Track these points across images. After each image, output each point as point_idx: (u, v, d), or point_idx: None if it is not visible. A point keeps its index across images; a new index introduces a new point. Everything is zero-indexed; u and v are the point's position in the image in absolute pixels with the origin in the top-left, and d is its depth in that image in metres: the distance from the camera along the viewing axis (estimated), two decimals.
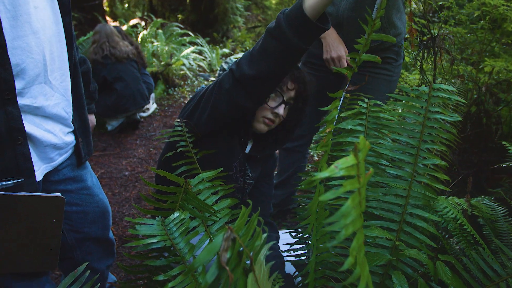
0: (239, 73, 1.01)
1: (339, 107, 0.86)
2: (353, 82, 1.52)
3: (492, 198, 1.16)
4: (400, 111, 0.93)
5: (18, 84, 0.79)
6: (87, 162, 1.14)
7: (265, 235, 0.56)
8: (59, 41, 0.91)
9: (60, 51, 0.92)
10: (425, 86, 0.89)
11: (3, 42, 0.74)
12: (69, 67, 0.97)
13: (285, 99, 1.16)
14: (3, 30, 0.74)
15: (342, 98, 0.85)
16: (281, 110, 1.16)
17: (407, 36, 1.58)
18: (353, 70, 0.74)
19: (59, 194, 0.86)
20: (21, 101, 0.81)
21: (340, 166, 0.39)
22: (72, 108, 0.99)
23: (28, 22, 0.79)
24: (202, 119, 1.11)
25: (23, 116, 0.81)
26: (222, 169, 0.95)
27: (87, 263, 0.82)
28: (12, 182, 0.81)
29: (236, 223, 0.51)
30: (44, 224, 0.87)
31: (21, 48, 0.78)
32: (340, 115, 0.96)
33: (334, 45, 1.50)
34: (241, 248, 0.48)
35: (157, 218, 0.75)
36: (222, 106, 1.06)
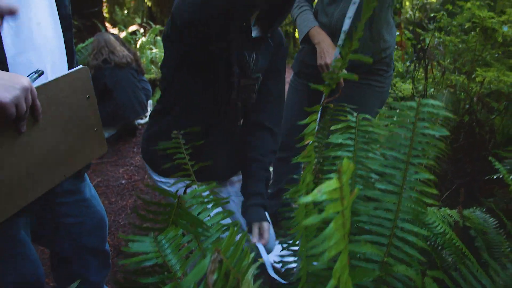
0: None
1: (317, 120, 0.86)
2: (344, 92, 1.53)
3: (484, 209, 1.16)
4: (390, 125, 0.94)
5: None
6: (85, 174, 1.15)
7: (252, 254, 0.57)
8: (61, 57, 0.93)
9: (62, 65, 0.94)
10: (417, 96, 0.90)
11: (3, 58, 0.76)
12: None
13: None
14: (4, 46, 0.76)
15: (319, 112, 0.85)
16: None
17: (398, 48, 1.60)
18: (331, 87, 0.75)
19: (81, 66, 0.86)
20: None
21: (323, 190, 0.40)
22: None
23: (30, 38, 0.81)
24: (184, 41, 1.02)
25: None
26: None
27: (79, 280, 0.82)
28: (34, 73, 0.79)
29: (223, 244, 0.52)
30: (80, 104, 0.87)
31: (22, 64, 0.80)
32: (331, 128, 0.97)
33: (329, 51, 1.52)
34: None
35: (149, 235, 0.76)
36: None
